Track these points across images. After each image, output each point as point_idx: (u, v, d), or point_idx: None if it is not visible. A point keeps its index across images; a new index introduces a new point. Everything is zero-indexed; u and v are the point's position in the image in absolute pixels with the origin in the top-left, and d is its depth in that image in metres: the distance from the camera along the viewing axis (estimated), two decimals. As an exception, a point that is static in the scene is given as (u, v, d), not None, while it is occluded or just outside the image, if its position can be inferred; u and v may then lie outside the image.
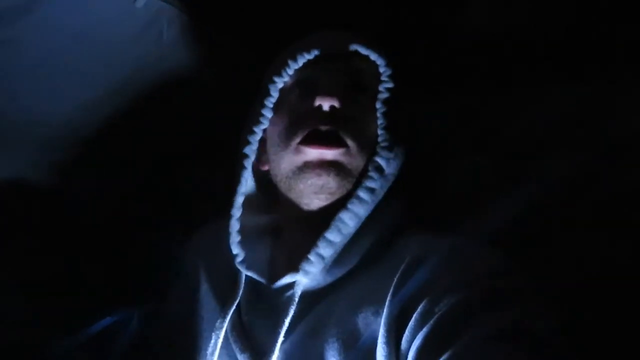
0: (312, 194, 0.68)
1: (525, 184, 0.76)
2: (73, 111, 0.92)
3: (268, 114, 0.73)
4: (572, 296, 0.68)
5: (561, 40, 0.85)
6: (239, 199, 0.73)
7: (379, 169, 0.67)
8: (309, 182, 0.67)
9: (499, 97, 0.86)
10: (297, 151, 0.68)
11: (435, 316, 0.55)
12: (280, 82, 0.72)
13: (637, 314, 0.68)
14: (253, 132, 0.73)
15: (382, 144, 0.68)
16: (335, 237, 0.65)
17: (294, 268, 0.66)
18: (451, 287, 0.57)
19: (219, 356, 0.69)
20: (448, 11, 0.90)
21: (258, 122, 0.73)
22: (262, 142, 0.75)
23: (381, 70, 0.70)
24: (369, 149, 0.68)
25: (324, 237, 0.65)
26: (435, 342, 0.54)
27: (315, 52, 0.70)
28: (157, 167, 1.05)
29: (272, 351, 0.64)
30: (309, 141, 0.67)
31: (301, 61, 0.71)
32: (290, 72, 0.72)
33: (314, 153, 0.66)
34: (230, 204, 0.73)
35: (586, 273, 0.72)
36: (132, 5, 0.80)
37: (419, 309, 0.57)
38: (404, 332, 0.58)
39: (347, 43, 0.70)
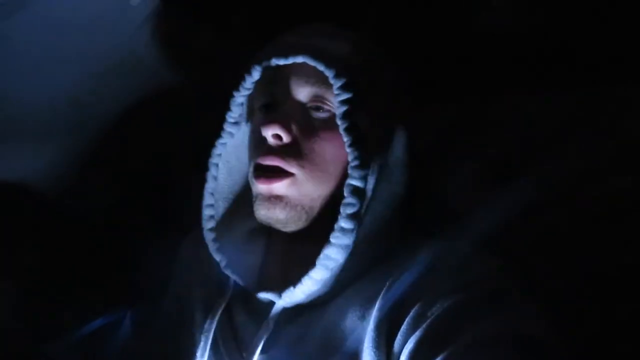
0: (265, 221, 0.67)
1: (521, 187, 0.75)
2: (67, 106, 0.92)
3: (229, 128, 0.72)
4: (566, 299, 0.68)
5: (563, 43, 0.84)
6: (206, 212, 0.73)
7: (357, 192, 0.62)
8: (262, 213, 0.66)
9: (497, 101, 0.85)
10: (252, 180, 0.67)
11: (428, 320, 0.55)
12: (239, 97, 0.70)
13: (633, 316, 0.67)
14: (215, 146, 0.73)
15: (353, 164, 0.62)
16: (322, 275, 0.63)
17: (280, 285, 0.65)
18: (444, 291, 0.56)
19: (209, 358, 0.68)
20: (448, 14, 0.90)
21: (220, 136, 0.73)
22: None
23: (332, 82, 0.63)
24: (327, 170, 0.65)
25: (309, 276, 0.63)
26: (428, 346, 0.53)
27: (267, 64, 0.66)
28: (152, 167, 1.04)
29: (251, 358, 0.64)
30: (256, 174, 0.66)
31: (256, 75, 0.67)
32: (248, 85, 0.68)
33: (262, 187, 0.65)
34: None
35: (583, 276, 0.71)
36: (127, 3, 0.79)
37: (411, 313, 0.56)
38: (395, 336, 0.57)
39: (298, 52, 0.64)
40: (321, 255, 0.62)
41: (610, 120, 0.78)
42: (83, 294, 0.91)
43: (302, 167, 0.64)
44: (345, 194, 0.62)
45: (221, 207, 0.75)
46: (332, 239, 0.62)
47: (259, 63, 0.66)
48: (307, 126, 0.65)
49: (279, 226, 0.66)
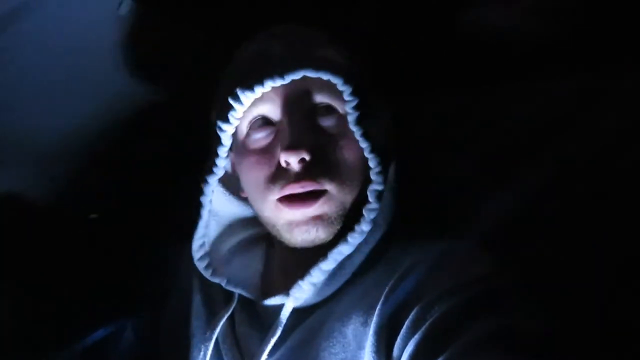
0: (304, 244, 0.65)
1: (516, 184, 0.74)
2: (66, 121, 0.91)
3: (221, 163, 0.67)
4: (564, 297, 0.67)
5: (554, 35, 0.83)
6: (197, 243, 0.71)
7: (380, 195, 0.64)
8: (300, 238, 0.64)
9: (489, 95, 0.85)
10: (277, 209, 0.64)
11: (427, 323, 0.55)
12: (229, 128, 0.65)
13: (630, 315, 0.66)
14: (206, 182, 0.68)
15: (376, 170, 0.63)
16: (330, 266, 0.64)
17: (285, 289, 0.66)
18: (442, 294, 0.56)
19: None
20: (439, 8, 0.89)
21: (211, 172, 0.67)
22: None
23: (340, 89, 0.62)
24: (353, 177, 0.65)
25: (319, 267, 0.64)
26: (427, 349, 0.53)
27: (260, 88, 0.61)
28: (154, 176, 1.04)
29: None
30: (287, 202, 0.63)
31: (246, 101, 0.62)
32: (238, 115, 0.64)
33: (296, 213, 0.63)
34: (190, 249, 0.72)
35: (578, 273, 0.70)
36: (116, 13, 0.79)
37: (410, 317, 0.56)
38: (395, 340, 0.57)
39: (294, 67, 0.61)
40: (335, 250, 0.63)
41: (609, 112, 0.77)
42: (85, 304, 0.91)
43: (332, 180, 0.63)
44: (371, 199, 0.64)
45: (213, 226, 0.74)
46: (349, 239, 0.63)
47: (248, 87, 0.62)
48: (321, 139, 0.64)
49: (317, 243, 0.64)
